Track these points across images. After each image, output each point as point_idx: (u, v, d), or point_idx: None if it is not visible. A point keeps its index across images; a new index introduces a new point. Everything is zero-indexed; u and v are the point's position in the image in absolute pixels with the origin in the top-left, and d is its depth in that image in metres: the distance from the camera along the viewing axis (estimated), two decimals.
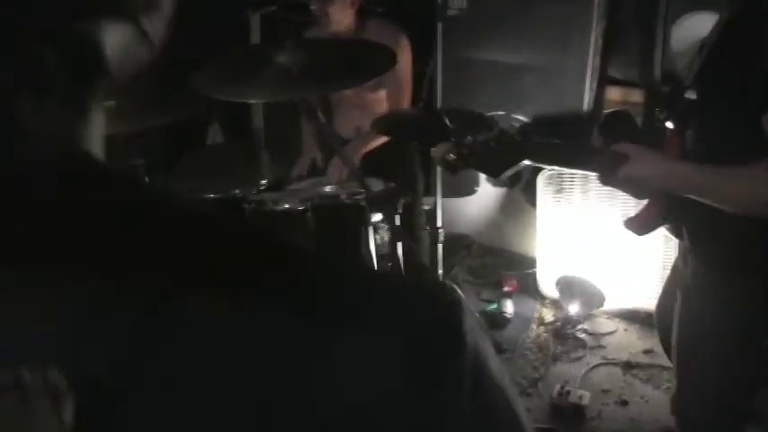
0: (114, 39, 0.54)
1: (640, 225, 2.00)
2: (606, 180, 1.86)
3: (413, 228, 3.33)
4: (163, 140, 3.91)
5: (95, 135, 0.54)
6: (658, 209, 1.93)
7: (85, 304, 0.45)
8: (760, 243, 1.76)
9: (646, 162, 1.77)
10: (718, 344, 1.95)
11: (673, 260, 3.51)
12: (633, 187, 1.86)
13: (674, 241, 3.43)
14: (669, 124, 1.95)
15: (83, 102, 0.53)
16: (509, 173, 1.97)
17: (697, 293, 1.98)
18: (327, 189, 2.83)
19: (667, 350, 2.34)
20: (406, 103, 3.50)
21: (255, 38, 4.34)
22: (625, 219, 2.02)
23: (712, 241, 1.89)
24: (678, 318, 2.06)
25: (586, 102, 3.69)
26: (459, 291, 3.17)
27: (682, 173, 1.76)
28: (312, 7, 3.31)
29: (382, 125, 3.05)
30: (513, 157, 1.93)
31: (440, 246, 3.11)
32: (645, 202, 1.99)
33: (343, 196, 2.62)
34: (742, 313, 1.87)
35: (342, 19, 3.33)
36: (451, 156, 1.98)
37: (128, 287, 0.46)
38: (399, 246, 2.44)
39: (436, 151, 2.04)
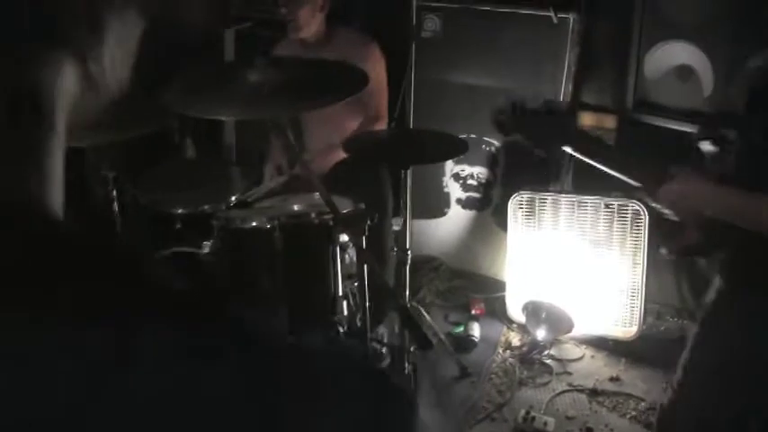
0: (53, 78, 0.51)
1: (676, 245, 2.01)
2: (651, 194, 1.89)
3: (380, 249, 3.31)
4: (134, 153, 3.87)
5: (43, 180, 0.51)
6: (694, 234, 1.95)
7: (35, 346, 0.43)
8: None
9: (690, 182, 1.81)
10: (737, 364, 1.95)
11: (640, 286, 3.54)
12: (675, 205, 1.89)
13: (641, 268, 3.48)
14: (708, 146, 1.95)
15: (24, 146, 0.50)
16: (552, 147, 2.04)
17: (721, 315, 1.98)
18: (296, 207, 2.80)
19: None
20: (383, 110, 3.51)
21: (230, 53, 4.32)
22: (662, 235, 2.04)
23: (746, 263, 1.89)
24: (694, 340, 2.06)
25: None
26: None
27: (724, 195, 1.79)
28: (282, 12, 3.32)
29: (353, 146, 3.04)
30: (559, 134, 1.98)
31: (407, 268, 3.09)
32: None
33: (312, 215, 2.59)
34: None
35: (311, 23, 3.36)
36: (504, 116, 2.04)
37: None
38: (366, 268, 2.42)
39: (492, 112, 2.10)
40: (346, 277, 2.59)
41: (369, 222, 2.42)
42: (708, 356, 2.01)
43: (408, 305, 3.22)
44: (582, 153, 2.06)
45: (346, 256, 2.60)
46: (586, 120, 3.91)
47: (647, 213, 3.39)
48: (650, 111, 3.50)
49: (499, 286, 3.99)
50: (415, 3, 3.85)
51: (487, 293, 4.07)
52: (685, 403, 2.08)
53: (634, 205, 3.44)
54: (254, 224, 2.53)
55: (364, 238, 2.40)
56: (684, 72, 3.31)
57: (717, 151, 1.92)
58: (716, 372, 1.97)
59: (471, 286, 4.19)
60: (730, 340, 1.93)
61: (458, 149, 3.03)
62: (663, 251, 2.06)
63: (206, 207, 3.09)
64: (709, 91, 3.20)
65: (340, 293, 2.57)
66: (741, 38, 2.95)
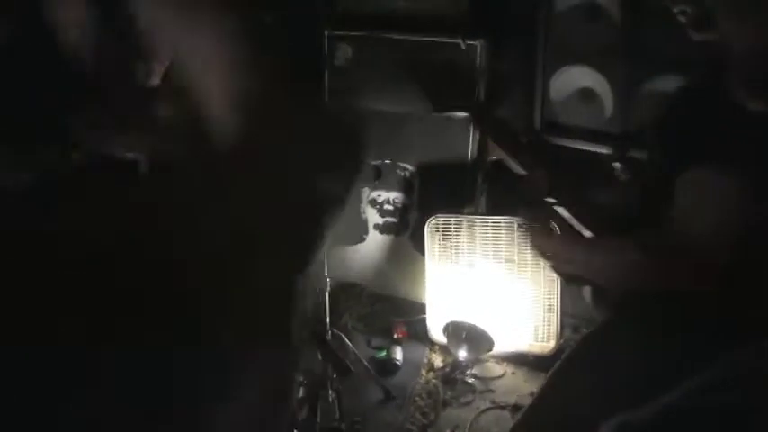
0: None
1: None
2: None
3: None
4: None
5: None
6: None
7: None
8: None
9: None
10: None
11: (556, 301, 3.62)
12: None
13: (556, 284, 3.57)
14: (620, 168, 1.99)
15: None
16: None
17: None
18: None
19: None
20: None
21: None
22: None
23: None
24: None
25: (470, 151, 3.78)
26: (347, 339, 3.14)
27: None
28: None
29: None
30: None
31: (327, 295, 3.12)
32: None
33: None
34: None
35: None
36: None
37: None
38: None
39: None
40: None
41: None
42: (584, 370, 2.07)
43: (329, 333, 3.24)
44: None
45: None
46: None
47: (558, 231, 3.48)
48: (558, 132, 3.61)
49: (420, 309, 4.03)
50: (326, 31, 3.90)
51: (409, 316, 4.10)
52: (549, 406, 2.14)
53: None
54: None
55: None
56: (587, 95, 3.43)
57: (628, 175, 1.97)
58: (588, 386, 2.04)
59: (393, 310, 4.21)
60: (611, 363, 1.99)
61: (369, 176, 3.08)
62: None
63: None
64: (610, 112, 3.34)
65: None
66: (635, 62, 3.11)
